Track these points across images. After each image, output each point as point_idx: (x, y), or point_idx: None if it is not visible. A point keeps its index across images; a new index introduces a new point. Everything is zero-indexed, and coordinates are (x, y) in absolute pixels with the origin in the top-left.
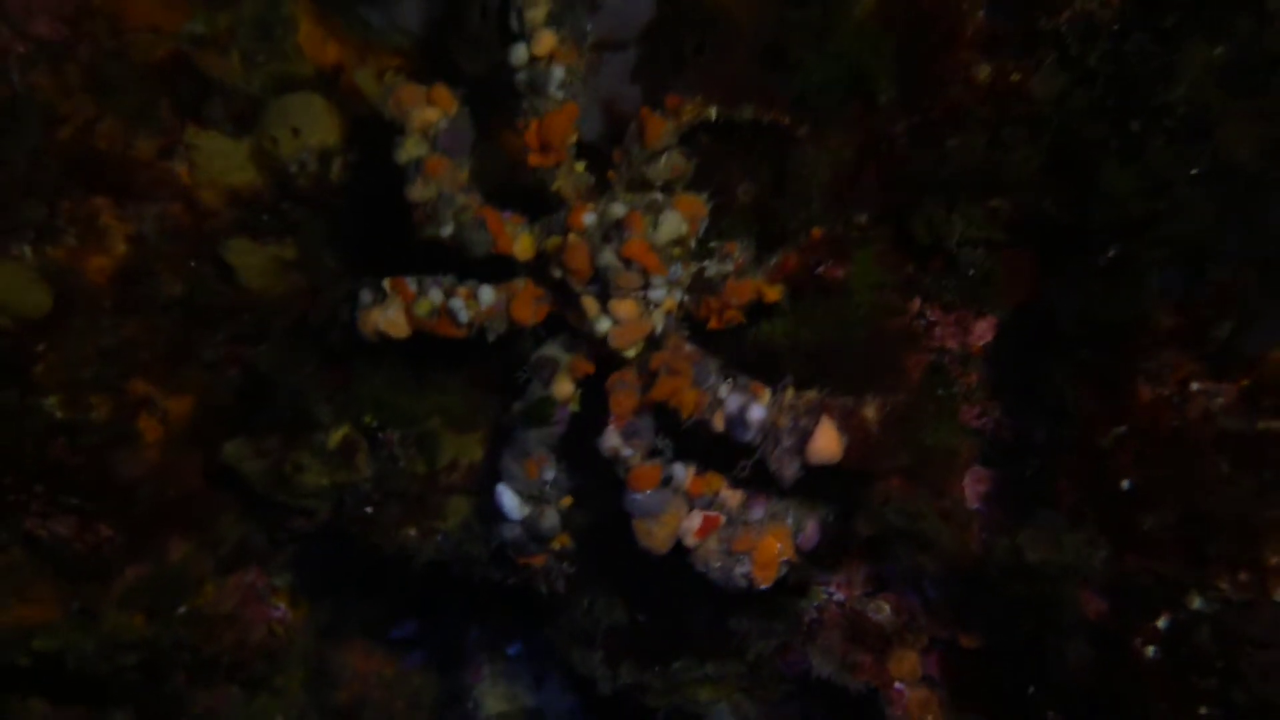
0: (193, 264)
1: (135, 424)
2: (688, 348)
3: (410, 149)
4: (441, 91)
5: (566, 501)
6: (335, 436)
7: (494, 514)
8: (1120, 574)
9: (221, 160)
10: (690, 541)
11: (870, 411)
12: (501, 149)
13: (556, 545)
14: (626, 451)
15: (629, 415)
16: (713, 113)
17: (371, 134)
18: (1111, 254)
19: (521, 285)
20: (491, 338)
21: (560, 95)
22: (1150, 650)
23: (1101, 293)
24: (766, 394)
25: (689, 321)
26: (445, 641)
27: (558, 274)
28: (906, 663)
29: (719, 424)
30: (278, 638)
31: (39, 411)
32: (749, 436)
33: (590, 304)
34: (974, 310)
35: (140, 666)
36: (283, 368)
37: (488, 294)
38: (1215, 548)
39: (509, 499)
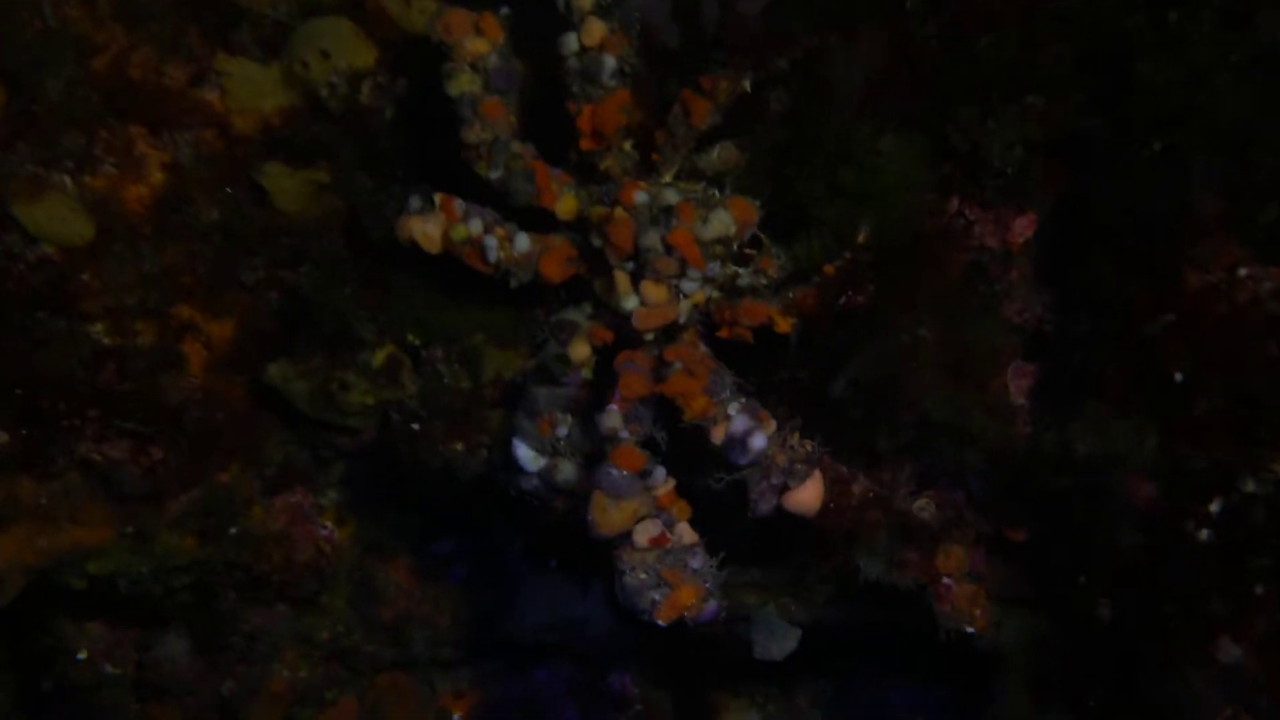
0: (229, 190)
1: (180, 348)
2: (703, 349)
3: (463, 83)
4: (490, 21)
5: None
6: (379, 355)
7: (511, 466)
8: (1170, 461)
9: (252, 86)
10: (637, 541)
11: (858, 488)
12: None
13: (578, 489)
14: (624, 434)
15: (634, 399)
16: (748, 84)
17: (401, 55)
18: (1156, 147)
19: (558, 243)
20: (514, 284)
21: (613, 84)
22: (1203, 534)
23: (1144, 183)
24: (772, 426)
25: (705, 321)
26: (487, 556)
27: (597, 243)
28: (953, 558)
29: (717, 437)
30: (325, 556)
31: (87, 338)
32: (743, 461)
33: (623, 280)
34: (1013, 207)
35: (192, 587)
36: (325, 288)
37: (523, 241)
38: (1267, 430)
39: (524, 452)
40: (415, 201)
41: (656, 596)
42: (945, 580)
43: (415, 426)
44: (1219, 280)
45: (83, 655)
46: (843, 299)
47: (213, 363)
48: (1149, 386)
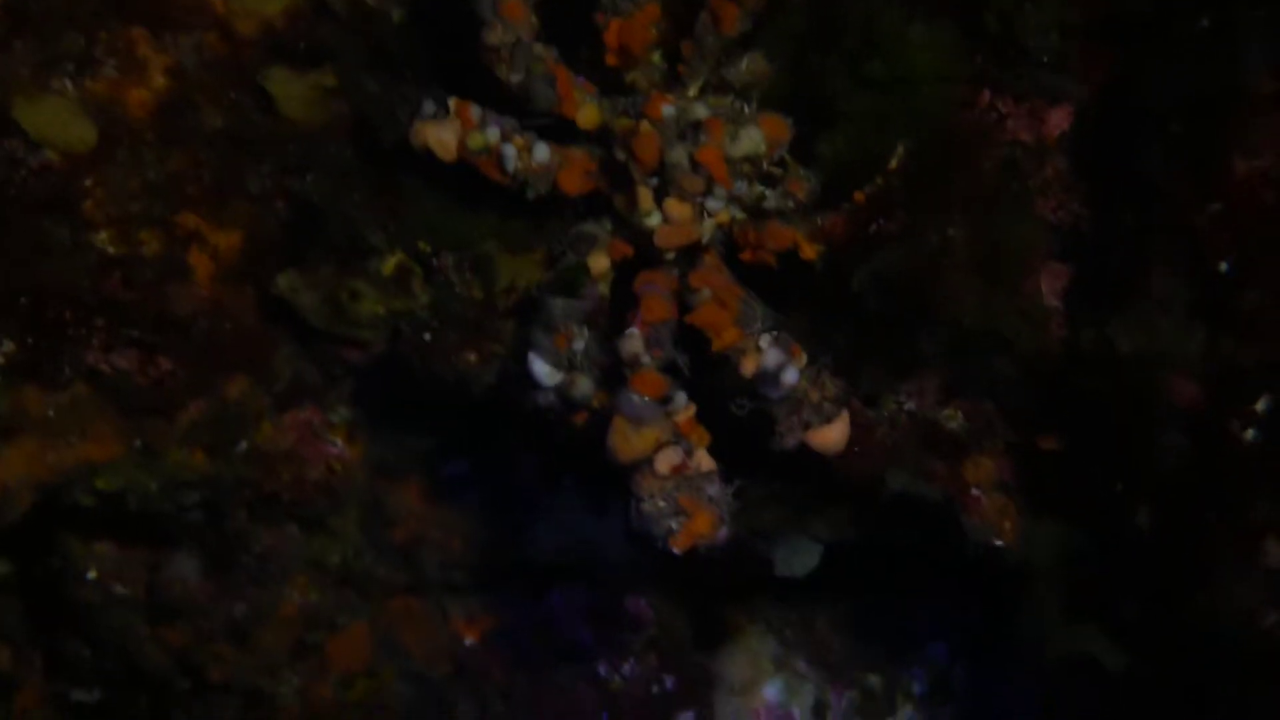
0: (233, 95)
1: (187, 258)
2: (728, 274)
3: None
4: None
5: None
6: (389, 263)
7: (526, 380)
8: (1216, 358)
9: None
10: (658, 469)
11: (881, 431)
12: None
13: (595, 404)
14: (645, 359)
15: (656, 322)
16: None
17: None
18: (1204, 24)
19: (578, 154)
20: (530, 195)
21: None
22: (1249, 433)
23: (1193, 64)
24: (803, 360)
25: (727, 241)
26: (502, 477)
27: (620, 156)
28: (982, 468)
29: (748, 369)
30: (336, 475)
31: (91, 247)
32: (774, 395)
33: (645, 195)
34: (1048, 99)
35: (202, 505)
36: (333, 196)
37: (542, 151)
38: None
39: (539, 367)
40: (429, 107)
41: (673, 525)
42: (974, 491)
43: (427, 337)
44: (1269, 166)
45: (92, 575)
46: (873, 226)
47: (220, 274)
48: (1195, 281)
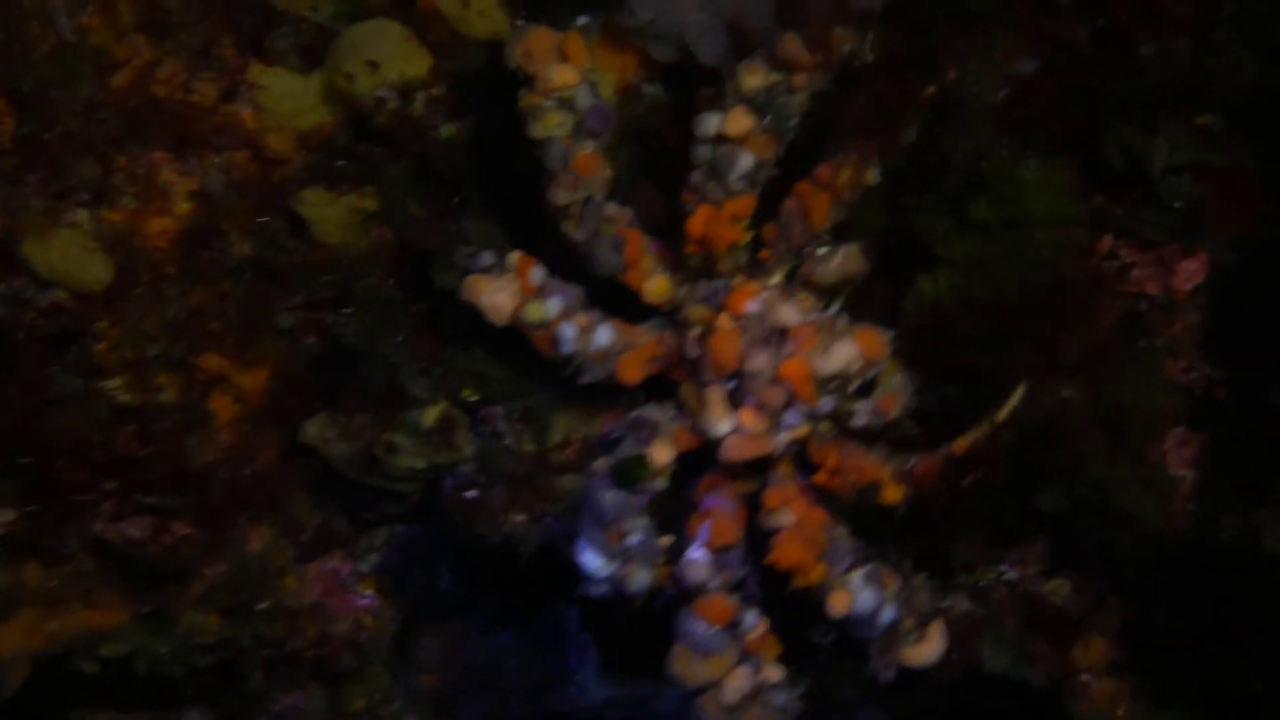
0: (263, 220)
1: (208, 403)
2: (808, 495)
3: (551, 125)
4: (576, 44)
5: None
6: (431, 413)
7: (578, 571)
8: None
9: (290, 101)
10: (725, 699)
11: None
12: None
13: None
14: (714, 584)
15: (724, 545)
16: (874, 176)
17: (458, 64)
18: None
19: (644, 339)
20: (585, 379)
21: (740, 187)
22: None
23: None
24: (895, 585)
25: (795, 458)
26: (544, 622)
27: (694, 353)
28: (1094, 650)
29: (837, 610)
30: (365, 628)
31: (103, 396)
32: (869, 636)
33: (716, 400)
34: (1179, 247)
35: (217, 667)
36: (371, 335)
37: (605, 336)
38: None
39: (590, 559)
40: (487, 258)
41: None
42: (1083, 676)
43: (471, 494)
44: None
45: None
46: (969, 479)
47: (243, 417)
48: None
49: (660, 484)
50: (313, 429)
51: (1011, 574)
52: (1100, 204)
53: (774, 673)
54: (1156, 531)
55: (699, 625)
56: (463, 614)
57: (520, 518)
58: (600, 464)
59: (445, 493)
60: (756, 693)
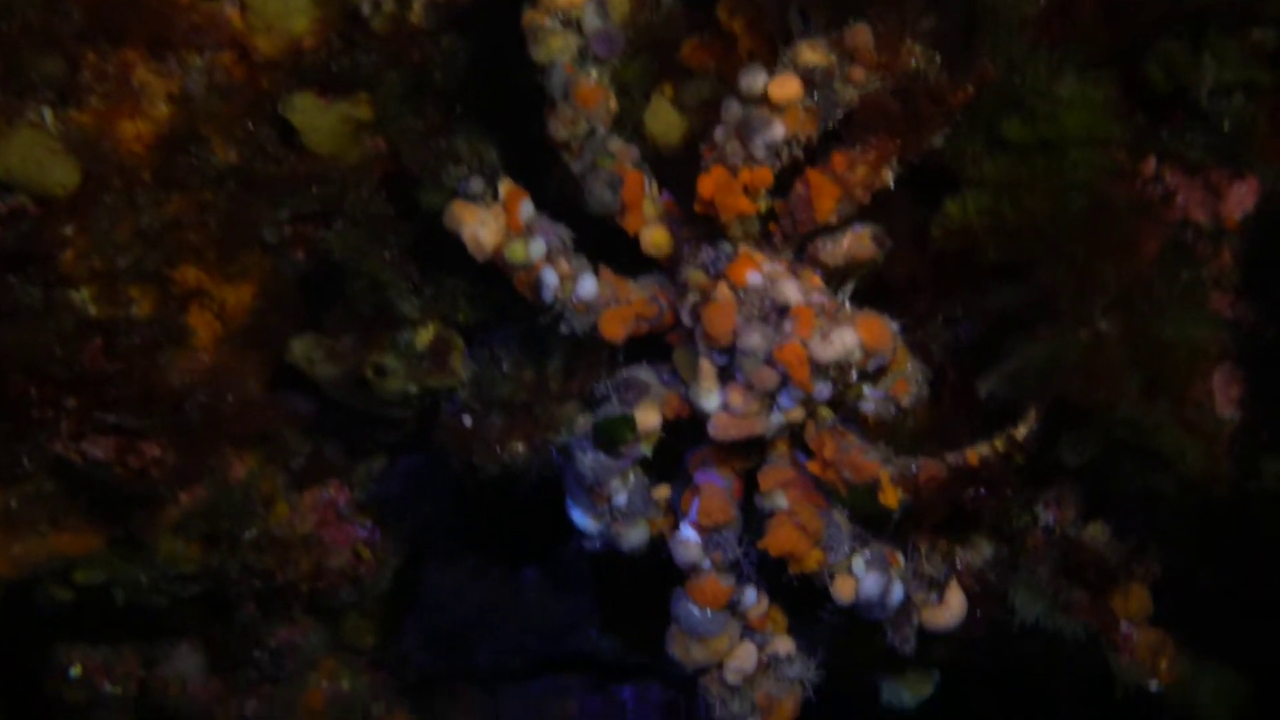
0: (249, 126)
1: (185, 319)
2: (803, 477)
3: (554, 47)
4: None
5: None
6: (424, 335)
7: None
8: None
9: (280, 1)
10: (728, 678)
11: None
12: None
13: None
14: (705, 564)
15: (716, 524)
16: (890, 178)
17: None
18: None
19: (633, 296)
20: (564, 330)
21: (763, 156)
22: None
23: None
24: (900, 562)
25: (794, 438)
26: (562, 558)
27: (688, 321)
28: (1134, 599)
29: (843, 596)
30: (364, 561)
31: (68, 308)
32: (881, 617)
33: (708, 373)
34: (1229, 172)
35: (204, 598)
36: (358, 252)
37: (587, 288)
38: None
39: (579, 517)
40: (476, 184)
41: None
42: (1124, 625)
43: (467, 422)
44: None
45: (76, 672)
46: (972, 493)
47: (225, 336)
48: None
49: (644, 449)
50: (299, 348)
51: (1047, 517)
52: (1143, 124)
53: (783, 645)
54: (1199, 477)
55: (693, 609)
56: (474, 549)
57: (519, 447)
58: (583, 423)
59: (440, 420)
60: (766, 667)
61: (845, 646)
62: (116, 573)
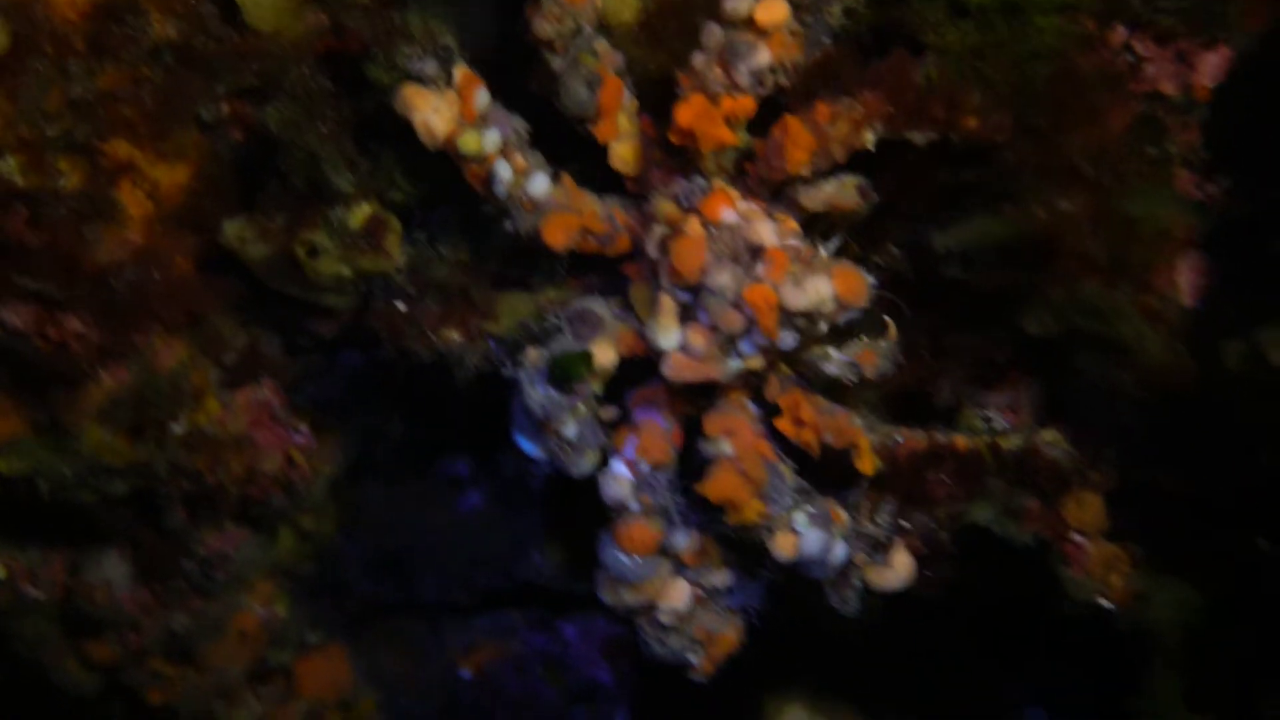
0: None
1: (116, 195)
2: (755, 423)
3: None
4: None
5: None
6: (358, 214)
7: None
8: None
9: None
10: (662, 619)
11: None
12: None
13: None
14: (634, 506)
15: (651, 465)
16: (871, 139)
17: None
18: None
19: (585, 207)
20: (509, 227)
21: (746, 84)
22: None
23: None
24: (844, 518)
25: (752, 389)
26: (510, 481)
27: (653, 253)
28: (1089, 508)
29: (783, 552)
30: (298, 467)
31: None
32: (822, 575)
33: (668, 309)
34: (1200, 40)
35: (132, 499)
36: (294, 126)
37: (540, 185)
38: None
39: (526, 445)
40: (429, 65)
41: (692, 658)
42: (1076, 537)
43: (401, 307)
44: None
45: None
46: (940, 477)
47: (157, 216)
48: None
49: (595, 387)
50: (231, 229)
51: (1001, 421)
52: None
53: (719, 577)
54: (1160, 368)
55: (621, 556)
56: (419, 467)
57: (455, 335)
58: (534, 356)
59: (373, 306)
60: (704, 601)
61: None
62: (41, 463)
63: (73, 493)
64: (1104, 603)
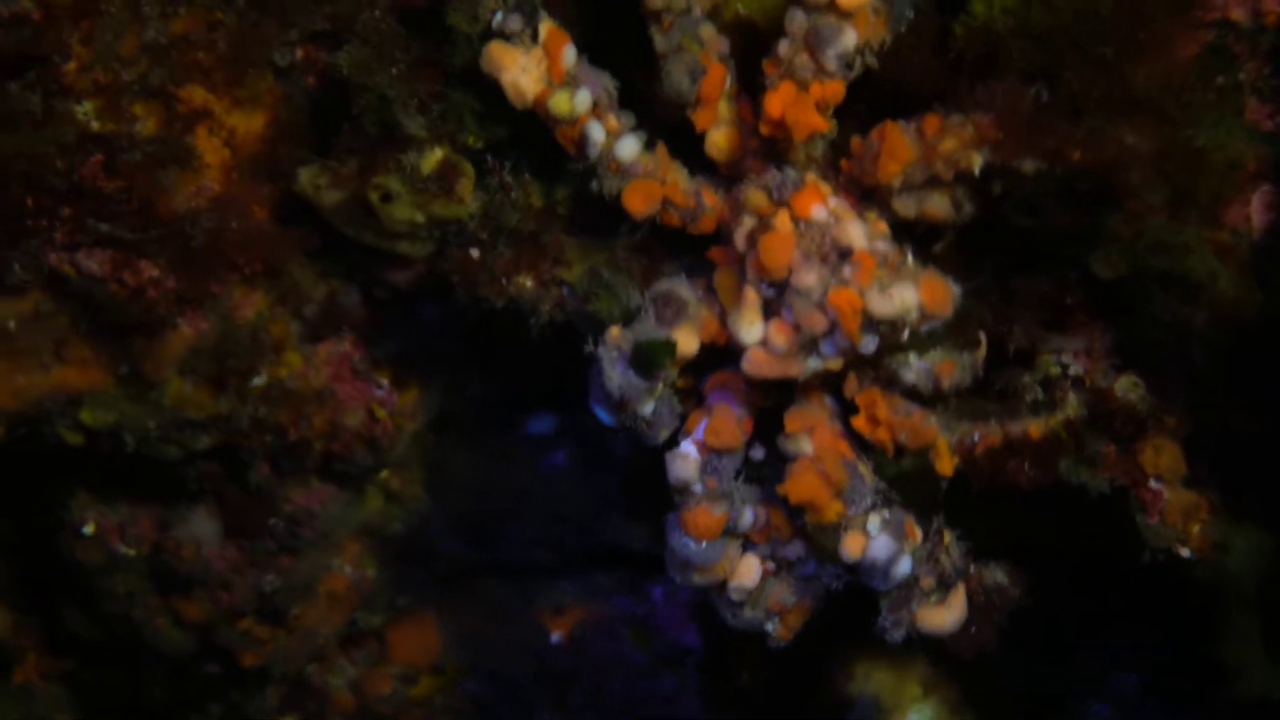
0: None
1: (192, 141)
2: (836, 424)
3: None
4: None
5: None
6: (430, 158)
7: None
8: None
9: None
10: (733, 597)
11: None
12: None
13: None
14: (697, 488)
15: (719, 448)
16: (978, 164)
17: None
18: None
19: (673, 178)
20: (594, 187)
21: (834, 68)
22: None
23: None
24: (918, 538)
25: (830, 386)
26: (588, 438)
27: (741, 246)
28: (1166, 454)
29: (850, 553)
30: (380, 423)
31: (70, 120)
32: (880, 587)
33: (752, 304)
34: None
35: (217, 453)
36: (367, 68)
37: (628, 149)
38: None
39: (603, 415)
40: (513, 21)
41: (769, 627)
42: (1153, 484)
43: (474, 253)
44: None
45: (89, 529)
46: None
47: (234, 164)
48: None
49: (673, 375)
50: (306, 175)
51: (1076, 366)
52: None
53: (791, 549)
54: (1232, 305)
55: (688, 542)
56: (499, 425)
57: (528, 282)
58: (617, 337)
59: (447, 253)
60: (778, 571)
61: None
62: (124, 415)
63: (157, 447)
64: (1183, 551)
